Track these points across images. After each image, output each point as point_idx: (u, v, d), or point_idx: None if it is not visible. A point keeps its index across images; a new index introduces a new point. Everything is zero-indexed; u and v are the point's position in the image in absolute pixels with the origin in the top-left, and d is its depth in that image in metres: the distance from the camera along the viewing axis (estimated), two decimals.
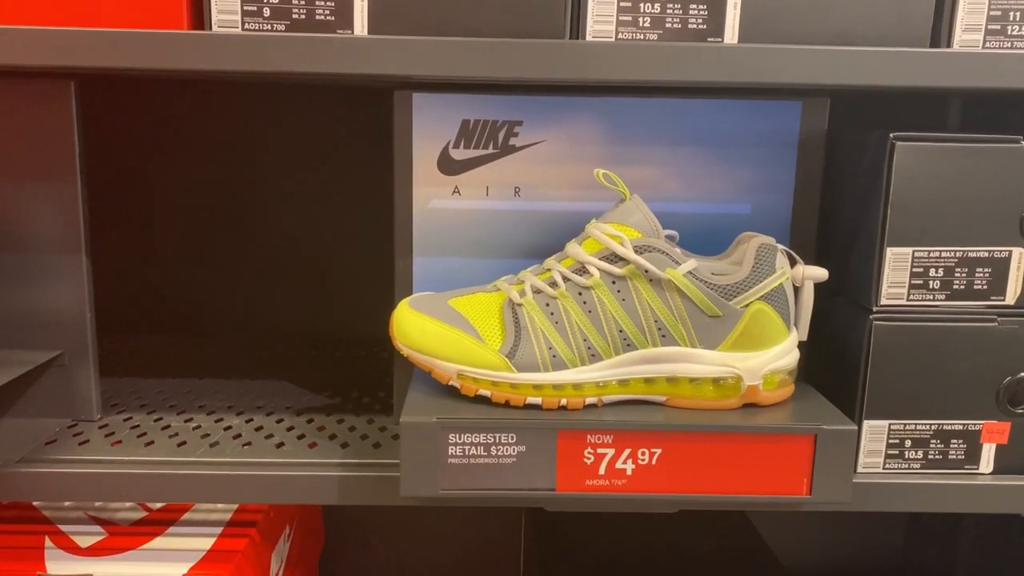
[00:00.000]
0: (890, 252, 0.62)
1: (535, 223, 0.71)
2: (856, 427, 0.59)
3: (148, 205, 0.98)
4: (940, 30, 0.60)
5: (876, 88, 0.58)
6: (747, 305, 0.61)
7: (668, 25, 0.59)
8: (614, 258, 0.60)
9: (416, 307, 0.63)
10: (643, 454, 0.59)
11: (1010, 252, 0.62)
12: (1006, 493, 0.64)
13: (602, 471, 0.59)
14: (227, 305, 1.00)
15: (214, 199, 0.98)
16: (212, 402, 0.79)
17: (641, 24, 0.59)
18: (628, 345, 0.60)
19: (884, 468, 0.65)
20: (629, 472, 0.59)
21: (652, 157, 0.70)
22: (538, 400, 0.60)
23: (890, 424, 0.65)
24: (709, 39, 0.60)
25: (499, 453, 0.58)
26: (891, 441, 0.65)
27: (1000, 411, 0.64)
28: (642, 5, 0.59)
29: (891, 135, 0.61)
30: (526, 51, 0.58)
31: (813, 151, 0.70)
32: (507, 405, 0.60)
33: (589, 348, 0.60)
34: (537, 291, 0.61)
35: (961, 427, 0.64)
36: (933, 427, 0.64)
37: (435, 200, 0.70)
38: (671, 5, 0.59)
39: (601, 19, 0.59)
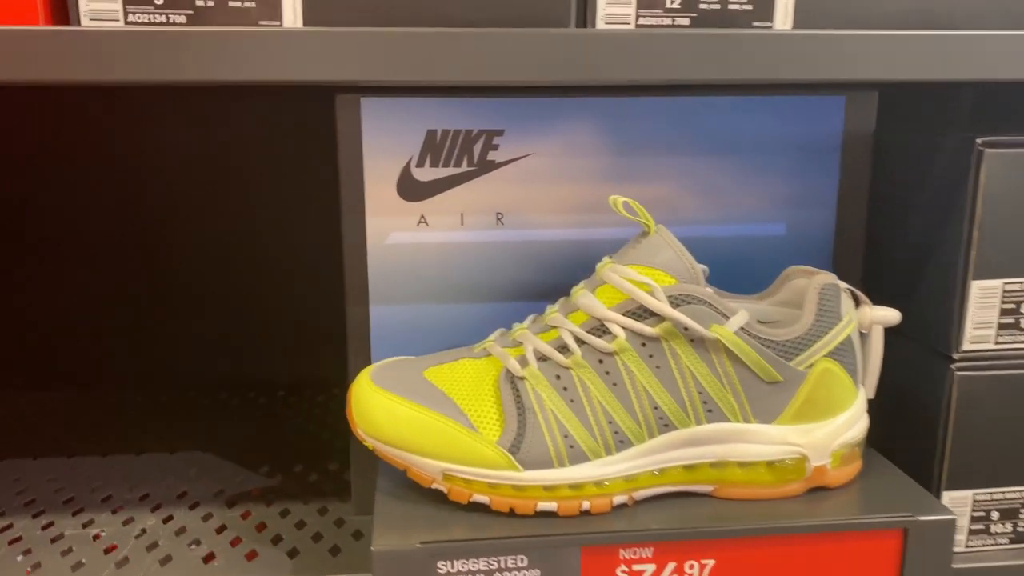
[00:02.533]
0: (975, 286, 0.50)
1: (523, 257, 0.56)
2: (954, 517, 0.46)
3: (19, 229, 0.79)
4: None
5: (980, 81, 0.45)
6: (811, 365, 0.47)
7: (703, 6, 0.45)
8: (643, 313, 0.46)
9: (381, 382, 0.48)
10: (691, 568, 0.46)
11: None
12: None
13: None
14: (128, 349, 0.82)
15: (106, 219, 0.80)
16: (118, 491, 0.62)
17: (668, 5, 0.45)
18: (665, 425, 0.46)
19: (967, 547, 0.53)
20: None
21: (664, 170, 0.56)
22: (552, 506, 0.45)
23: (974, 494, 0.52)
24: (755, 24, 0.45)
25: None
26: (975, 514, 0.53)
27: None
28: None
29: (977, 140, 0.48)
30: (519, 46, 0.43)
31: (859, 157, 0.57)
32: (512, 514, 0.46)
33: (616, 433, 0.46)
34: (543, 358, 0.47)
35: None
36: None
37: (395, 233, 0.55)
38: None
39: (617, 1, 0.45)
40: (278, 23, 0.42)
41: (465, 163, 0.55)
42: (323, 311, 0.82)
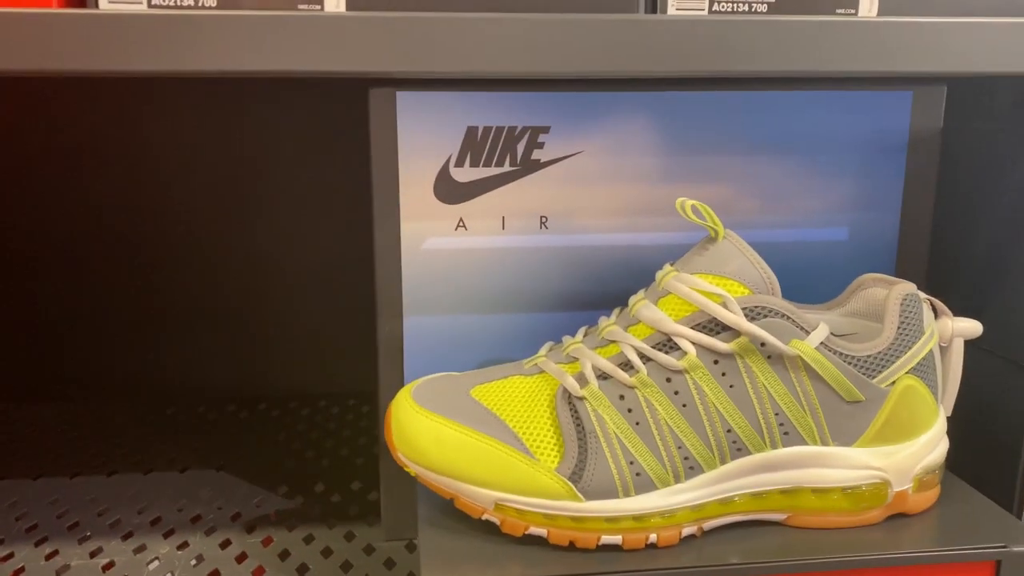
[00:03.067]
0: None
1: (569, 264, 0.52)
2: None
3: (17, 233, 0.74)
4: None
5: None
6: (893, 382, 0.43)
7: None
8: (715, 327, 0.42)
9: (424, 402, 0.44)
10: None
11: None
12: None
13: None
14: (132, 360, 0.78)
15: (109, 225, 0.75)
16: (126, 515, 0.57)
17: None
18: (739, 450, 0.42)
19: None
20: None
21: (719, 169, 0.52)
22: (616, 539, 0.41)
23: None
24: (838, 11, 0.41)
25: None
26: None
27: None
28: None
29: None
30: (582, 33, 0.39)
31: (926, 156, 0.53)
32: (571, 547, 0.42)
33: (686, 459, 0.42)
34: (604, 376, 0.43)
35: None
36: None
37: (432, 238, 0.51)
38: None
39: None
40: (319, 7, 0.38)
41: (508, 163, 0.51)
42: (340, 320, 0.78)
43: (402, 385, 0.52)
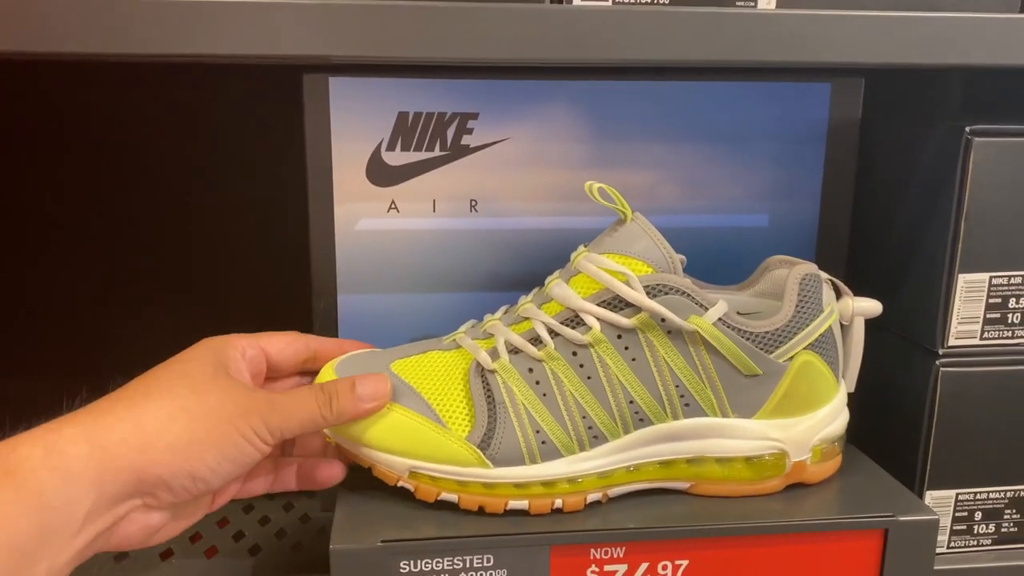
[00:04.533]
0: (962, 280, 0.48)
1: (498, 246, 0.54)
2: (937, 517, 0.45)
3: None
4: None
5: (968, 67, 0.43)
6: (791, 357, 0.46)
7: None
8: (618, 303, 0.44)
9: (346, 375, 0.46)
10: (664, 568, 0.44)
11: None
12: None
13: None
14: (73, 344, 0.79)
15: (62, 209, 0.77)
16: None
17: None
18: (641, 420, 0.45)
19: (949, 548, 0.52)
20: None
21: (645, 157, 0.54)
22: (523, 504, 0.44)
23: (957, 494, 0.51)
24: (739, 3, 0.44)
25: None
26: (958, 514, 0.51)
27: None
28: None
29: (966, 128, 0.47)
30: (494, 22, 0.41)
31: (844, 146, 0.56)
32: (481, 512, 0.44)
33: (590, 428, 0.44)
34: (515, 351, 0.45)
35: None
36: (1008, 494, 0.51)
37: (364, 219, 0.53)
38: None
39: None
40: None
41: (438, 147, 0.53)
42: (285, 300, 0.80)
43: None
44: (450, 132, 0.53)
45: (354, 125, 0.52)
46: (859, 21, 0.42)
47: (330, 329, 0.54)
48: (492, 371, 0.44)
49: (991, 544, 0.52)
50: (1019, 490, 0.51)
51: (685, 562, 0.44)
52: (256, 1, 0.41)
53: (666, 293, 0.44)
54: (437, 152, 0.53)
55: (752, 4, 0.44)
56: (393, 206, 0.53)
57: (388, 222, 0.53)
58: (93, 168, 0.76)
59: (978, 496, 0.51)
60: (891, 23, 0.43)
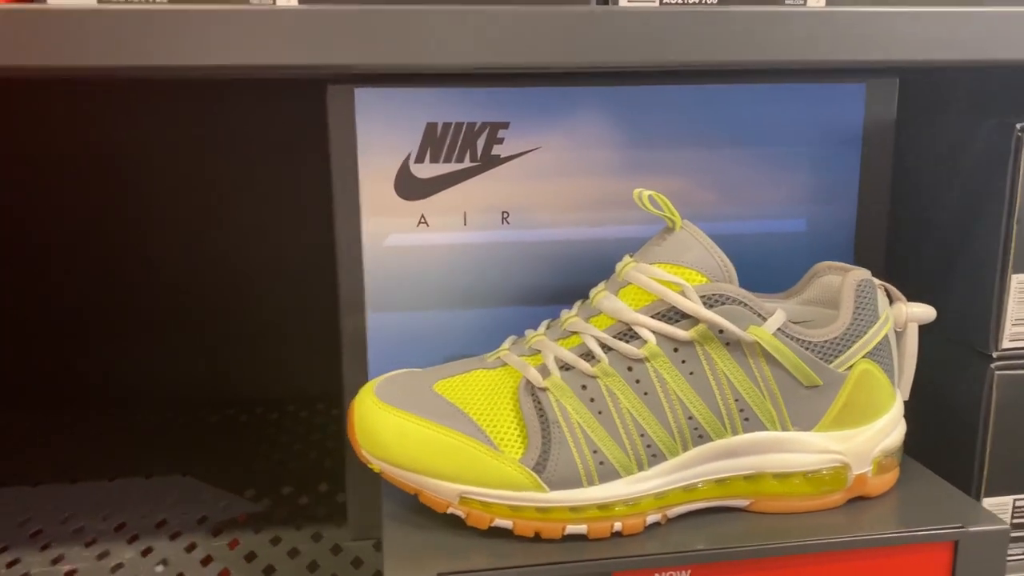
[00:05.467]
0: (1015, 280, 0.47)
1: (531, 258, 0.52)
2: (1007, 526, 0.43)
3: None
4: None
5: (1010, 64, 0.42)
6: (850, 366, 0.44)
7: None
8: (674, 315, 0.42)
9: (387, 398, 0.44)
10: None
11: None
12: None
13: None
14: (95, 365, 0.77)
15: (71, 224, 0.74)
16: (90, 521, 0.57)
17: None
18: (700, 436, 0.43)
19: (1008, 557, 0.50)
20: None
21: (678, 163, 0.53)
22: (582, 528, 0.42)
23: (1015, 500, 0.50)
24: (788, 2, 0.42)
25: None
26: (1015, 521, 0.50)
27: None
28: None
29: (1016, 125, 0.45)
30: (535, 25, 0.40)
31: (880, 147, 0.54)
32: (537, 539, 0.42)
33: (649, 447, 0.42)
34: (566, 367, 0.43)
35: None
36: None
37: (394, 234, 0.51)
38: None
39: None
40: (271, 1, 0.38)
41: (468, 158, 0.51)
42: (306, 322, 0.77)
43: (366, 383, 0.51)
44: (480, 142, 0.51)
45: (381, 137, 0.50)
46: (922, 16, 0.41)
47: (359, 350, 0.52)
48: (544, 389, 0.42)
49: None
50: None
51: None
52: (276, 9, 0.39)
53: (723, 303, 0.42)
54: (467, 163, 0.51)
55: (802, 3, 0.42)
56: (423, 220, 0.51)
57: (418, 237, 0.51)
58: (97, 186, 0.73)
59: None
60: (946, 19, 0.41)
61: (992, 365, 0.48)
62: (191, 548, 0.53)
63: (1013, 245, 0.47)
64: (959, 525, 0.43)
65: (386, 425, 0.43)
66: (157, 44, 0.37)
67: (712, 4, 0.42)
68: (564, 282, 0.53)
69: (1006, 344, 0.48)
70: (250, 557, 0.52)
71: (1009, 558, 0.50)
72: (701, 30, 0.41)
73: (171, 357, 0.77)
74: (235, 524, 0.56)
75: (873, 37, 0.41)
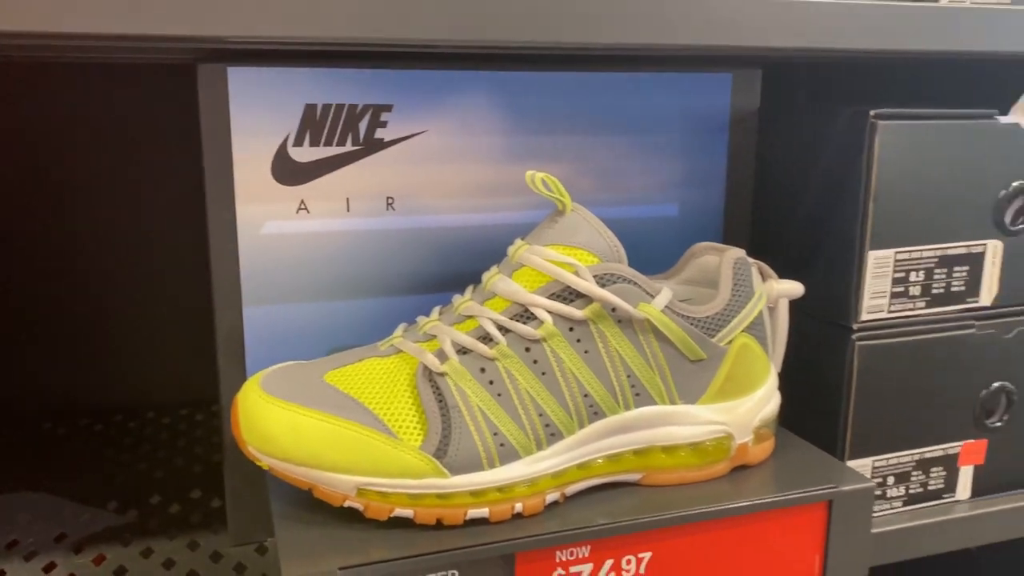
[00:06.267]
0: (872, 257, 0.51)
1: (418, 245, 0.52)
2: (873, 484, 0.47)
3: None
4: None
5: (869, 54, 0.46)
6: (731, 341, 0.46)
7: None
8: (569, 295, 0.43)
9: (275, 391, 0.42)
10: (628, 563, 0.43)
11: (985, 246, 0.53)
12: (995, 520, 0.56)
13: None
14: None
15: None
16: None
17: None
18: (595, 413, 0.43)
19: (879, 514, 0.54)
20: None
21: (559, 149, 0.54)
22: (483, 512, 0.41)
23: (874, 461, 0.54)
24: None
25: None
26: (874, 480, 0.54)
27: (977, 428, 0.56)
28: None
29: (870, 112, 0.49)
30: (419, 1, 0.39)
31: (746, 134, 0.57)
32: (439, 526, 0.41)
33: (547, 426, 0.42)
34: (463, 351, 0.42)
35: (941, 452, 0.55)
36: (915, 457, 0.55)
37: (271, 221, 0.49)
38: None
39: None
40: None
41: (350, 142, 0.49)
42: (164, 324, 0.73)
43: (243, 381, 0.49)
44: (363, 125, 0.49)
45: (256, 119, 0.47)
46: (791, 6, 0.43)
47: (236, 347, 0.49)
48: (442, 374, 0.42)
49: (902, 505, 0.55)
50: (924, 452, 0.55)
51: (648, 555, 0.43)
52: None
53: (615, 282, 0.43)
54: (349, 147, 0.49)
55: None
56: (303, 206, 0.49)
57: (298, 224, 0.49)
58: None
59: (890, 461, 0.54)
60: (816, 8, 0.44)
61: (853, 336, 0.51)
62: (50, 568, 0.49)
63: (869, 225, 0.50)
64: (832, 486, 0.46)
65: (275, 419, 0.41)
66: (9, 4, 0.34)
67: None
68: (452, 269, 0.52)
69: (865, 316, 0.51)
70: (120, 572, 0.49)
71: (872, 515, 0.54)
72: (583, 10, 0.41)
73: (21, 368, 0.70)
74: (100, 538, 0.52)
75: (743, 23, 0.43)
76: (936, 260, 0.52)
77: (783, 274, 0.51)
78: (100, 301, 0.71)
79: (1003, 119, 0.51)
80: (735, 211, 0.58)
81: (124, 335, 0.72)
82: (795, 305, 0.52)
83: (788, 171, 0.57)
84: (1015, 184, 0.52)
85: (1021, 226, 0.53)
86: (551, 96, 0.53)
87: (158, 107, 0.70)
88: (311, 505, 0.42)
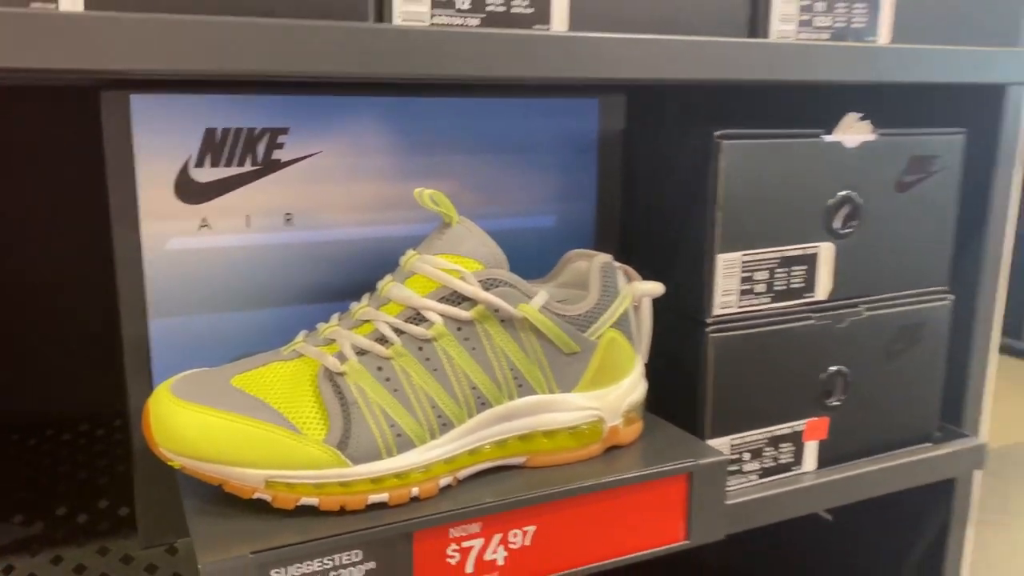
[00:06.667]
0: (721, 259, 0.58)
1: (315, 258, 0.56)
2: (727, 457, 0.54)
3: None
4: (757, 20, 0.57)
5: (710, 82, 0.53)
6: (600, 335, 0.52)
7: (490, 8, 0.48)
8: (456, 298, 0.48)
9: (185, 395, 0.45)
10: (515, 536, 0.48)
11: (818, 248, 0.61)
12: (837, 487, 0.64)
13: (471, 568, 0.47)
14: None
15: None
16: None
17: (459, 6, 0.47)
18: (483, 404, 0.49)
19: (727, 486, 0.61)
20: (501, 562, 0.48)
21: (447, 168, 0.59)
22: (383, 497, 0.46)
23: (731, 439, 0.61)
24: (535, 26, 0.49)
25: None
26: (732, 456, 0.61)
27: (819, 407, 0.64)
28: None
29: (715, 133, 0.56)
30: (316, 37, 0.43)
31: (613, 152, 0.64)
32: (343, 512, 0.45)
33: (440, 416, 0.47)
34: (362, 352, 0.47)
35: (789, 430, 0.63)
36: (767, 435, 0.62)
37: (175, 238, 0.52)
38: None
39: None
40: (54, 5, 0.38)
41: (249, 162, 0.53)
42: (61, 339, 0.74)
43: (151, 391, 0.52)
44: (261, 147, 0.53)
45: (159, 142, 0.51)
46: (641, 42, 0.50)
47: (142, 358, 0.52)
48: (342, 374, 0.46)
49: (757, 478, 0.62)
50: (774, 430, 0.62)
51: (533, 528, 0.48)
52: (51, 13, 0.39)
53: (497, 286, 0.48)
54: (248, 167, 0.53)
55: (547, 27, 0.49)
56: (205, 223, 0.52)
57: (201, 240, 0.53)
58: None
59: (745, 439, 0.61)
60: (666, 44, 0.51)
61: (707, 329, 0.58)
62: None
63: (718, 231, 0.57)
64: (692, 460, 0.53)
65: (187, 421, 0.44)
66: None
67: (474, 26, 0.48)
68: (348, 279, 0.56)
69: (717, 312, 0.59)
70: None
71: (729, 488, 0.61)
72: (463, 48, 0.47)
73: None
74: (7, 550, 0.53)
75: (605, 57, 0.49)
76: (777, 261, 0.60)
77: (647, 276, 0.58)
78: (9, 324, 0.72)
79: (827, 137, 0.59)
80: (605, 221, 0.65)
81: (22, 353, 0.73)
82: (657, 303, 0.59)
83: (651, 185, 0.64)
84: (840, 194, 0.60)
85: (847, 231, 0.62)
86: (437, 120, 0.58)
87: (60, 125, 0.71)
88: (222, 499, 0.46)
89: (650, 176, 0.64)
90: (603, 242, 0.65)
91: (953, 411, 0.72)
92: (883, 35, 0.61)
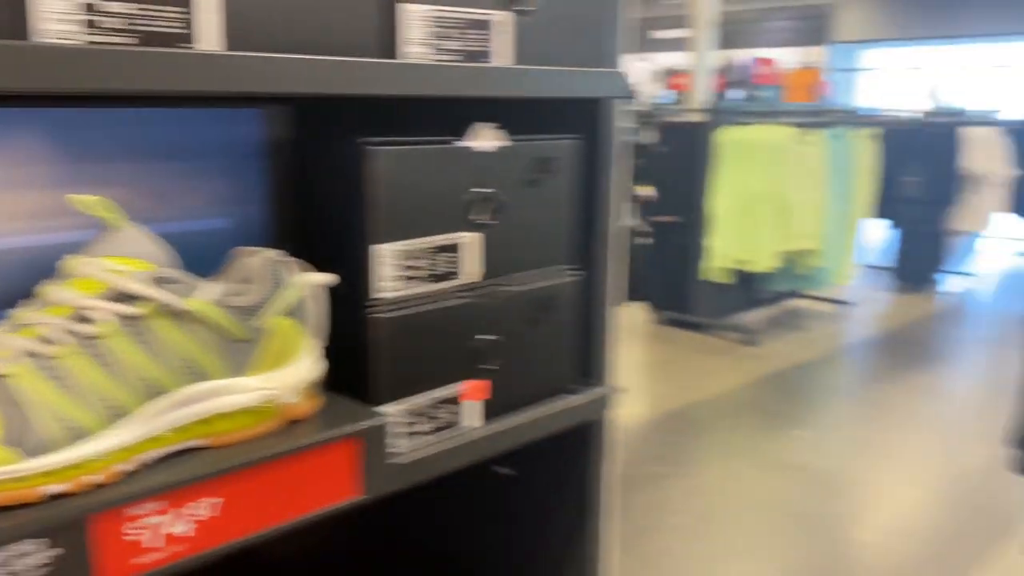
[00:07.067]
0: (378, 249, 0.67)
1: None
2: (384, 421, 0.62)
3: None
4: (391, 43, 0.66)
5: (339, 96, 0.61)
6: (269, 323, 0.59)
7: (143, 28, 0.52)
8: (125, 297, 0.52)
9: None
10: (200, 509, 0.53)
11: (464, 237, 0.72)
12: (496, 439, 0.75)
13: (161, 543, 0.51)
14: None
15: None
16: None
17: (114, 26, 0.51)
18: (157, 393, 0.53)
19: (403, 447, 0.70)
20: (192, 534, 0.53)
21: (117, 176, 0.62)
22: (62, 487, 0.49)
23: (399, 406, 0.70)
24: (181, 44, 0.55)
25: (25, 566, 0.46)
26: (398, 420, 0.70)
27: (477, 372, 0.75)
28: (106, 4, 0.51)
29: (360, 142, 0.65)
30: None
31: (282, 159, 0.71)
32: (26, 504, 0.48)
33: (112, 408, 0.51)
34: (30, 354, 0.49)
35: (453, 393, 0.73)
36: (433, 398, 0.72)
37: None
38: (140, 6, 0.52)
39: (56, 18, 0.49)
40: None
41: None
42: None
43: None
44: None
45: None
46: (285, 63, 0.56)
47: None
48: (7, 376, 0.48)
49: (431, 436, 0.72)
50: (438, 393, 0.72)
51: (220, 500, 0.54)
52: None
53: (167, 283, 0.53)
54: None
55: (191, 47, 0.55)
56: None
57: None
58: None
59: (414, 404, 0.71)
60: (322, 64, 0.58)
61: (370, 312, 0.67)
62: None
63: (375, 225, 0.66)
64: (358, 424, 0.61)
65: None
66: None
67: (134, 45, 0.52)
68: (11, 288, 0.57)
69: (379, 295, 0.67)
70: None
71: (413, 446, 0.70)
72: (122, 64, 0.51)
73: None
74: None
75: (252, 72, 0.55)
76: (432, 249, 0.70)
77: (320, 268, 0.65)
78: None
79: (458, 143, 0.70)
80: (281, 220, 0.71)
81: None
82: (332, 292, 0.66)
83: (321, 187, 0.71)
84: (473, 191, 0.72)
85: (490, 222, 0.73)
86: (105, 129, 0.61)
87: None
88: None
89: (320, 179, 0.71)
90: (280, 239, 0.71)
91: (589, 366, 0.87)
92: (502, 56, 0.73)
